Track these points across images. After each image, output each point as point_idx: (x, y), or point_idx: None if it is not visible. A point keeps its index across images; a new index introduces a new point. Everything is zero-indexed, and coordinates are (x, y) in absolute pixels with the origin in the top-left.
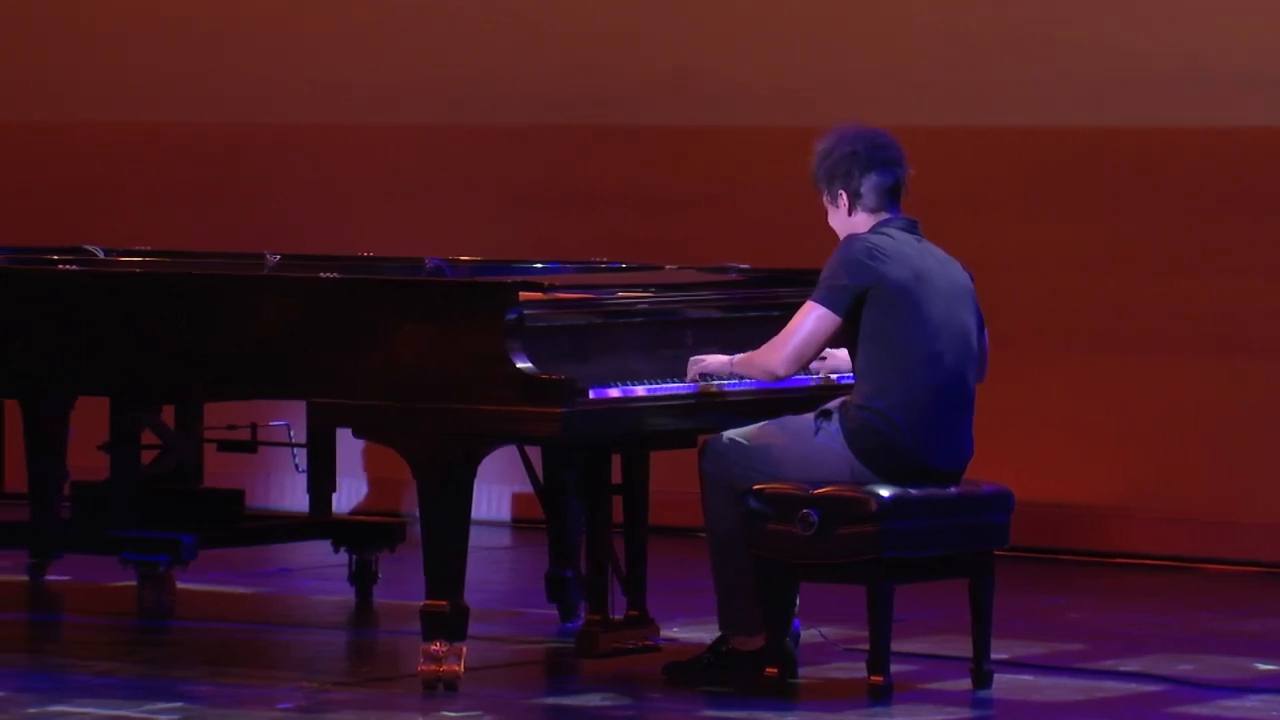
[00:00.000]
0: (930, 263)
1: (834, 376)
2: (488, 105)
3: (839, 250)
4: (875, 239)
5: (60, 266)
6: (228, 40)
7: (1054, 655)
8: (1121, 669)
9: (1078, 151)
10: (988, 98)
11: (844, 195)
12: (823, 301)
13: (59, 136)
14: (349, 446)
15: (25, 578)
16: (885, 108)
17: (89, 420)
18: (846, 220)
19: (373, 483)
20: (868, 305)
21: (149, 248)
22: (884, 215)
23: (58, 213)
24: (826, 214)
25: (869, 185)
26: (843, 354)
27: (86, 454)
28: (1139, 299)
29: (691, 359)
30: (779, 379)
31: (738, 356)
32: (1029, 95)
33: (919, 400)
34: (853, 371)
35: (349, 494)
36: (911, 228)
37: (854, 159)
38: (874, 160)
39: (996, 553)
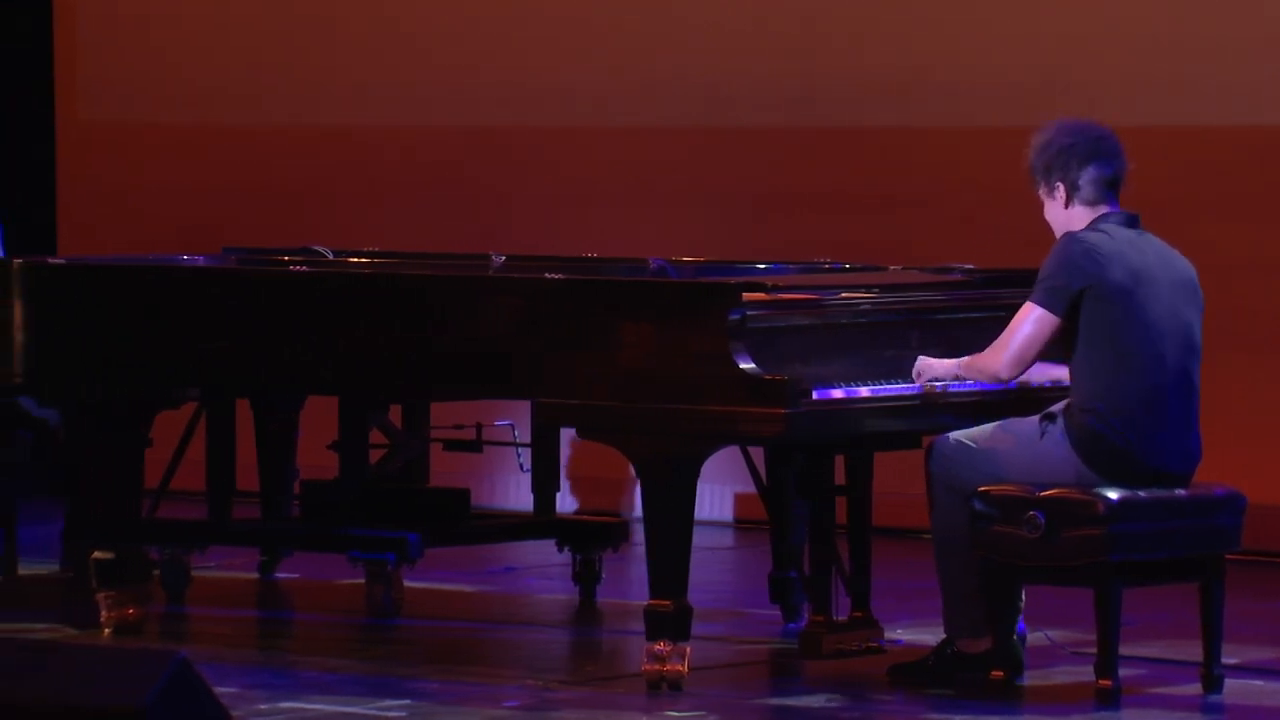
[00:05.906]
0: (1151, 259)
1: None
2: (712, 107)
3: (1056, 249)
4: (1094, 238)
5: (290, 267)
6: (460, 46)
7: None
8: None
9: None
10: (1222, 96)
11: (1061, 187)
12: (1041, 303)
13: (291, 139)
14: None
15: (256, 575)
16: (1113, 106)
17: (318, 420)
18: (1063, 213)
19: (597, 482)
20: (1085, 306)
21: (376, 249)
22: (1102, 209)
23: (288, 214)
24: (1043, 207)
25: (1087, 178)
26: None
27: (316, 453)
28: None
29: (919, 359)
30: (1003, 382)
31: (963, 360)
32: (1267, 93)
33: (1142, 403)
34: (1070, 374)
35: (572, 493)
36: (1131, 222)
37: (1072, 151)
38: (1092, 152)
39: (1227, 556)
